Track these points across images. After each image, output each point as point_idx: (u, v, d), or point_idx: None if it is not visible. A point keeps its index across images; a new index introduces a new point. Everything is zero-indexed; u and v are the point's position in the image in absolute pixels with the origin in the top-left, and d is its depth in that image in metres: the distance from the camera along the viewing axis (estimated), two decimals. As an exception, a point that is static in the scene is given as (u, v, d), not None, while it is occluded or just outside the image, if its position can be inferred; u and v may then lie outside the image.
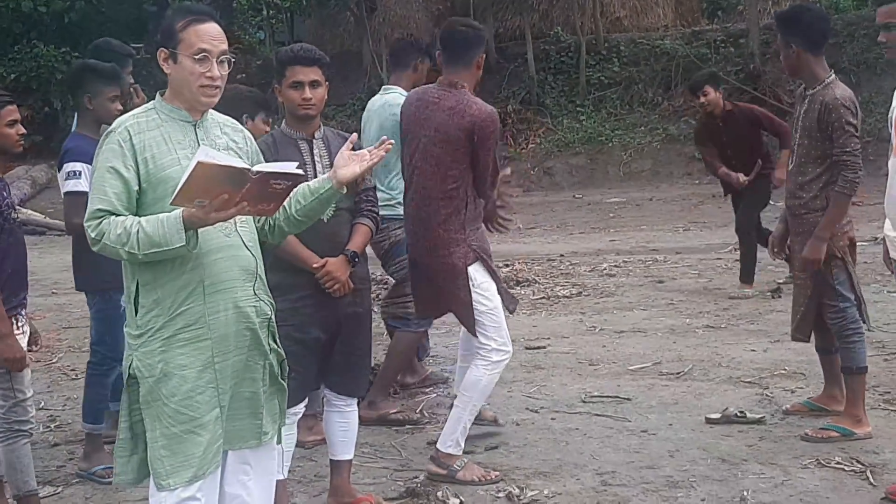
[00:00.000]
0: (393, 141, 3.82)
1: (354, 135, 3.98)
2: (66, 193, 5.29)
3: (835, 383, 5.74)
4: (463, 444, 5.16)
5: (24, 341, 4.64)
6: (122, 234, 3.32)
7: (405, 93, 5.92)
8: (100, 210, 3.38)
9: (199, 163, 3.14)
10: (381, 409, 6.08)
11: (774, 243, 5.82)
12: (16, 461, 4.64)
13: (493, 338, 5.15)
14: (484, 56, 5.29)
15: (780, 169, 9.07)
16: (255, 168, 3.30)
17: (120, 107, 5.40)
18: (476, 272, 5.13)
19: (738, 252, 9.78)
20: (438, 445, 5.17)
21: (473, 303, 5.12)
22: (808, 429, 5.48)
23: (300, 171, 3.46)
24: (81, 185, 5.18)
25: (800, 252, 5.47)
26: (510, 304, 5.39)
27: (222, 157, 3.28)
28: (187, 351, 3.44)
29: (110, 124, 5.34)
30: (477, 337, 5.16)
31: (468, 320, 5.16)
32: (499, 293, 5.21)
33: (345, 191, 3.81)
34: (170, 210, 3.33)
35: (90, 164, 5.18)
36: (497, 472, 5.13)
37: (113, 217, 3.36)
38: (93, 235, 3.37)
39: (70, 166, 5.27)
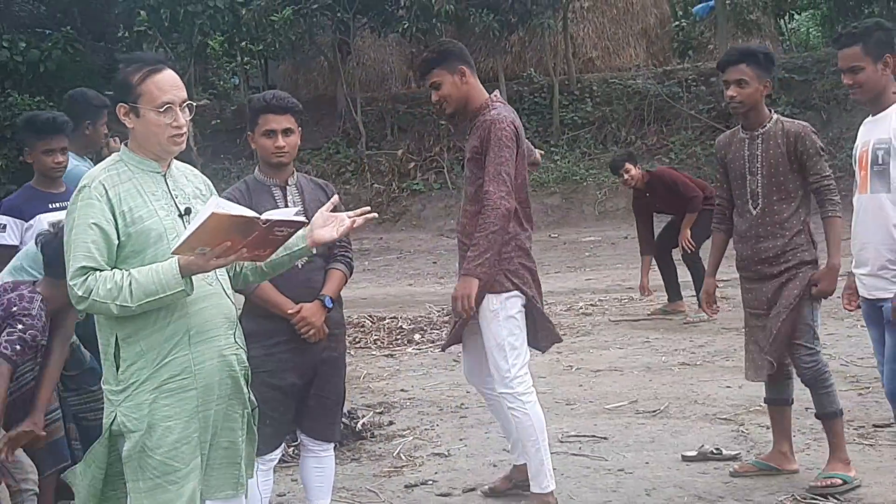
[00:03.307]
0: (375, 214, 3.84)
1: (336, 196, 3.99)
2: None
3: (784, 438, 5.53)
4: (548, 482, 5.05)
5: None
6: (112, 289, 3.30)
7: None
8: (84, 267, 3.35)
9: (212, 213, 3.15)
10: None
11: (708, 299, 5.72)
12: None
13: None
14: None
15: (683, 231, 10.06)
16: (264, 216, 3.32)
17: (58, 159, 5.42)
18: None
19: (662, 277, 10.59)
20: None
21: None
22: (811, 480, 5.24)
23: (303, 219, 3.50)
24: (5, 238, 5.36)
25: (780, 289, 5.27)
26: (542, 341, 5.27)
27: (234, 207, 3.30)
28: (172, 402, 3.43)
29: (50, 177, 5.47)
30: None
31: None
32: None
33: (314, 251, 3.84)
34: (152, 261, 3.36)
35: (17, 217, 5.34)
36: None
37: (98, 272, 3.34)
38: (80, 293, 3.33)
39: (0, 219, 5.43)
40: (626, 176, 10.32)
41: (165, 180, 3.58)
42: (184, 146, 3.59)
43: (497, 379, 5.03)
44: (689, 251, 10.02)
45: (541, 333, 5.17)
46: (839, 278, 5.23)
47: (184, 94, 3.54)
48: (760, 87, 5.31)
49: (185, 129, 3.54)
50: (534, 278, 5.16)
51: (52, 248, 4.34)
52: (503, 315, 4.97)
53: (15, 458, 4.62)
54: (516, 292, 4.99)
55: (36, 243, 4.63)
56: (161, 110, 3.46)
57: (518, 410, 4.99)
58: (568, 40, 22.59)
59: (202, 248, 3.26)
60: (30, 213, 5.38)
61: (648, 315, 10.50)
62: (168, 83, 3.50)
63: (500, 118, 4.92)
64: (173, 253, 3.28)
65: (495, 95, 5.15)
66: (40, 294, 4.49)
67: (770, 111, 5.41)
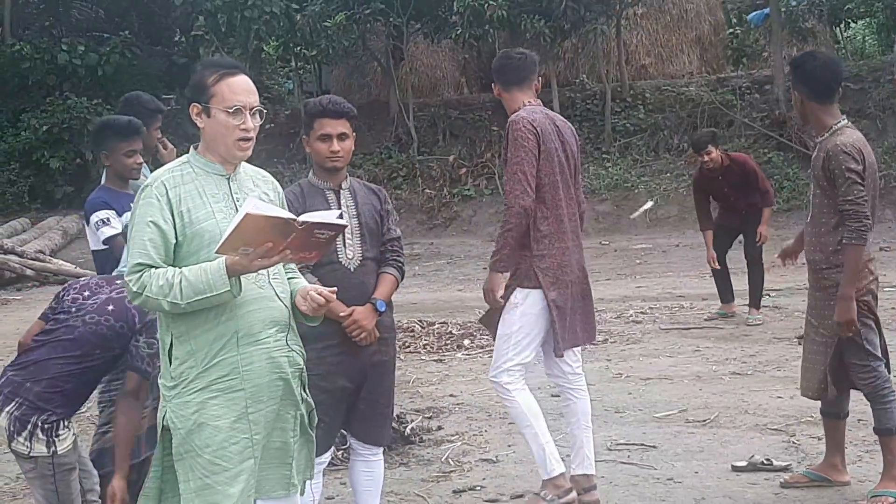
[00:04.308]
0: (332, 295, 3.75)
1: (336, 299, 3.85)
2: (105, 241, 5.38)
3: (837, 450, 5.46)
4: (553, 465, 5.18)
5: None
6: (164, 286, 3.38)
7: None
8: (140, 264, 3.44)
9: (247, 214, 3.21)
10: None
11: (787, 253, 5.67)
12: None
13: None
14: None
15: (764, 226, 10.11)
16: (301, 218, 3.36)
17: (139, 160, 5.48)
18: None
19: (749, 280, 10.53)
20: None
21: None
22: (861, 499, 5.19)
23: (343, 222, 3.55)
24: (114, 228, 5.29)
25: (822, 308, 5.25)
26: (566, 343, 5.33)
27: (269, 208, 3.36)
28: (221, 402, 3.49)
29: (127, 178, 5.49)
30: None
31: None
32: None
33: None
34: (206, 260, 3.42)
35: (114, 209, 5.35)
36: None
37: (153, 270, 3.42)
38: (134, 289, 3.43)
39: (98, 215, 5.36)
40: (706, 157, 10.13)
41: (229, 183, 3.64)
42: (249, 152, 3.64)
43: (493, 364, 5.30)
44: (760, 245, 10.12)
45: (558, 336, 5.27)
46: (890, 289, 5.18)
47: (255, 100, 3.61)
48: (800, 98, 5.30)
49: (252, 134, 3.60)
50: (571, 279, 5.34)
51: None
52: (521, 310, 5.22)
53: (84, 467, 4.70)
54: (540, 290, 5.19)
55: None
56: (231, 111, 3.54)
57: (506, 398, 5.24)
58: (621, 47, 22.49)
59: (245, 248, 3.32)
60: (120, 208, 5.38)
61: (705, 320, 10.50)
62: (241, 87, 3.59)
63: (517, 119, 5.24)
64: (216, 252, 3.35)
65: (530, 101, 5.42)
66: None
67: (838, 121, 5.24)
